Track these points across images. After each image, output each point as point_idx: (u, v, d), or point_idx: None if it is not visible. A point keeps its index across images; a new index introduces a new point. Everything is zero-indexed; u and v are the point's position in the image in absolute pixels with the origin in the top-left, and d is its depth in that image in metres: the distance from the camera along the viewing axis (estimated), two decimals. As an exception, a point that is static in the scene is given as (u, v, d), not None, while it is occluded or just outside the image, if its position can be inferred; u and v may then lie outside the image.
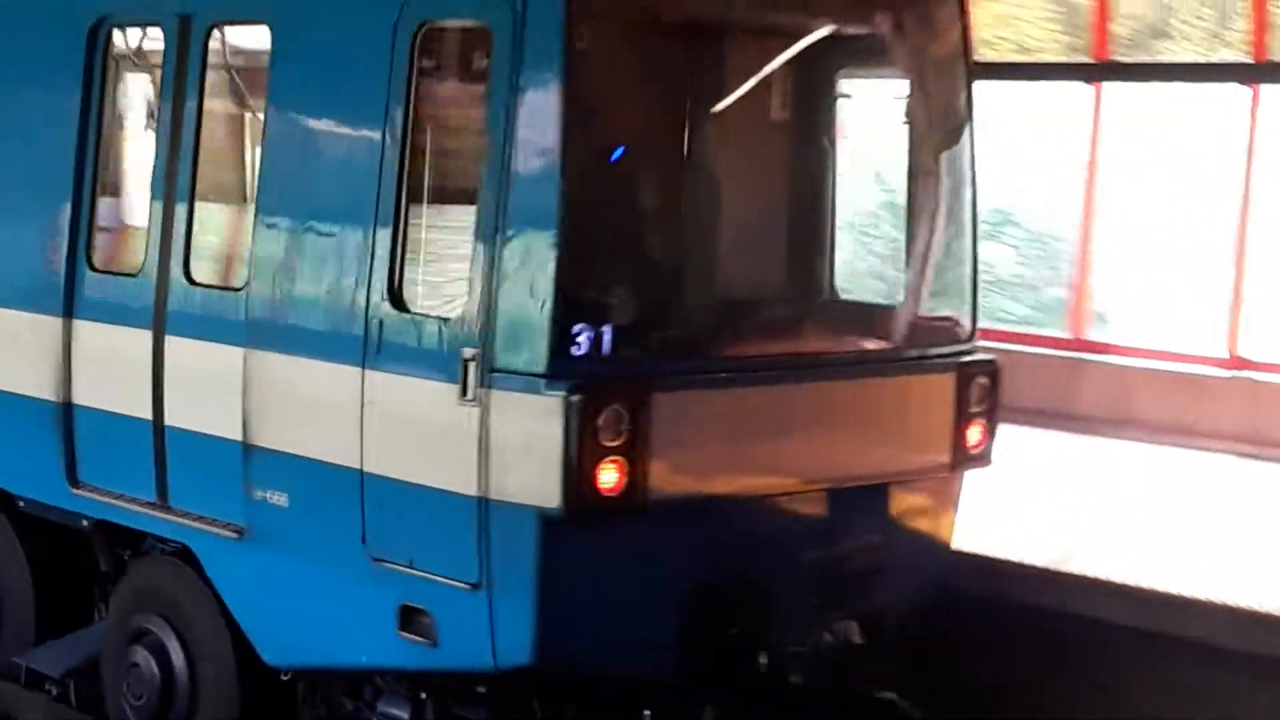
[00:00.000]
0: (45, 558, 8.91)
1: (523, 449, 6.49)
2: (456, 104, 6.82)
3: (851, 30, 7.64)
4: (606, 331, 6.58)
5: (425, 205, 6.91)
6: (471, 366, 6.56)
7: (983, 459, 8.00)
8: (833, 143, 7.95)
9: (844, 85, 7.88)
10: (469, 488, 6.62)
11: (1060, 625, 8.49)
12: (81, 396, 8.27)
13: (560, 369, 6.43)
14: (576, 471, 6.42)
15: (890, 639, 7.31)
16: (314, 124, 7.26)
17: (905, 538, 7.73)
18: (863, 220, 8.02)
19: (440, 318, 6.73)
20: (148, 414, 7.90)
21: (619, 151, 6.97)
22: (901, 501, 7.68)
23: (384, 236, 6.85)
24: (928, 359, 7.67)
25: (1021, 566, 8.82)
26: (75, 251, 8.26)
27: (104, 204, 8.29)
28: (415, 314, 6.81)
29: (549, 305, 6.41)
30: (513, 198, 6.46)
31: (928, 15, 7.62)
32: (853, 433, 7.28)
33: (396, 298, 6.88)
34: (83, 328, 8.25)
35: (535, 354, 6.44)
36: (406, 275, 6.88)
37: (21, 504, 8.78)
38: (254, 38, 7.61)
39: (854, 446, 7.29)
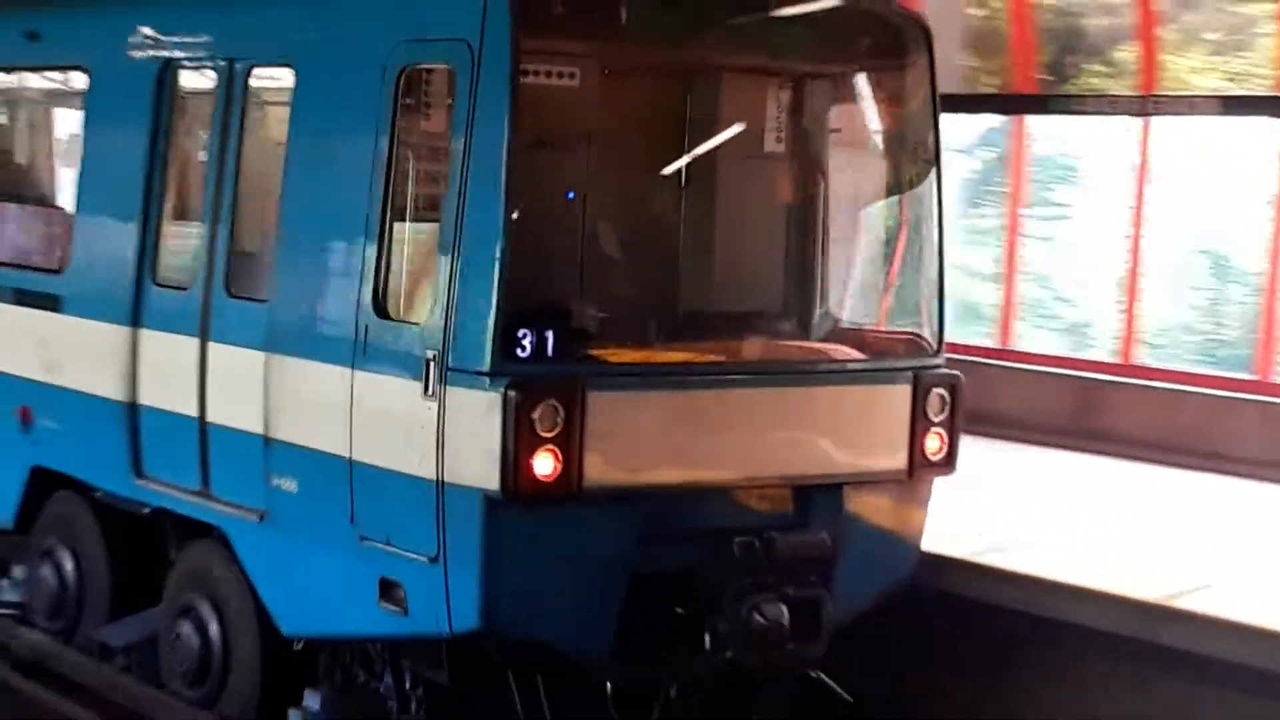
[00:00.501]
0: (122, 544, 10.64)
1: (471, 438, 8.05)
2: (429, 135, 8.43)
3: (785, 68, 9.06)
4: (548, 336, 8.07)
5: (407, 223, 8.50)
6: (432, 366, 8.14)
7: (944, 467, 9.29)
8: (777, 173, 9.35)
9: (786, 119, 9.26)
10: (429, 473, 8.19)
11: None
12: (145, 397, 10.04)
13: (502, 368, 7.97)
14: (514, 458, 7.94)
15: (825, 623, 8.62)
16: (322, 153, 8.96)
17: (860, 535, 9.04)
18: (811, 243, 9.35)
19: (410, 323, 8.31)
20: (194, 411, 9.61)
21: (571, 193, 8.46)
22: (855, 500, 9.01)
23: (371, 251, 8.49)
24: (874, 371, 9.01)
25: None
26: (143, 268, 10.04)
27: (166, 224, 10.05)
28: (393, 320, 8.40)
29: (494, 312, 7.96)
30: (467, 217, 8.04)
31: (865, 50, 9.00)
32: (787, 435, 8.66)
33: (380, 306, 8.49)
34: (147, 336, 10.01)
35: (482, 355, 8.00)
36: (389, 286, 8.47)
37: (98, 494, 10.57)
38: (283, 78, 9.29)
39: (789, 447, 8.66)
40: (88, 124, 10.80)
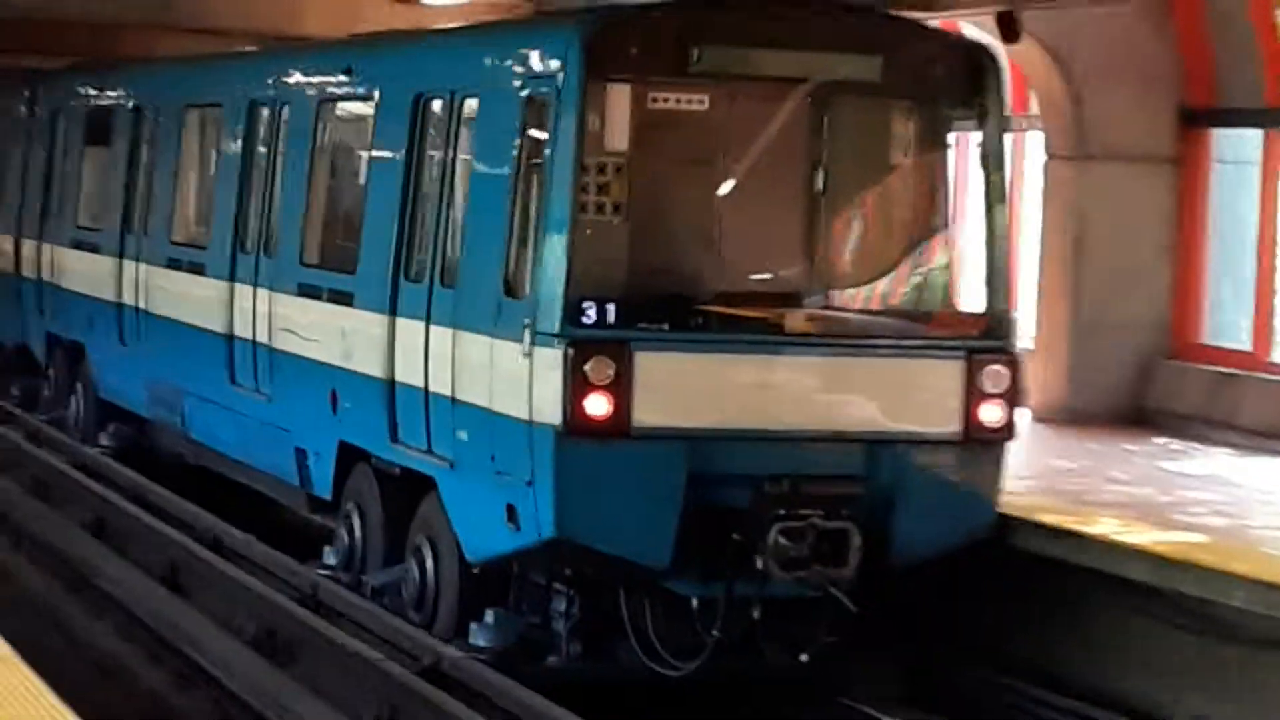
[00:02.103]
0: (394, 503, 17.29)
1: (546, 385, 14.31)
2: (537, 152, 14.73)
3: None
4: (608, 309, 14.26)
5: (529, 223, 14.83)
6: (526, 332, 14.44)
7: (1003, 433, 14.86)
8: (813, 180, 15.22)
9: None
10: (525, 414, 14.49)
11: None
12: (398, 375, 16.70)
13: (567, 332, 14.19)
14: (570, 400, 14.14)
15: (852, 553, 14.33)
16: (487, 166, 15.44)
17: (916, 491, 14.72)
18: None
19: (519, 300, 14.65)
20: (420, 382, 16.22)
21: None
22: (917, 458, 14.68)
23: (503, 243, 14.87)
24: (921, 347, 14.71)
25: None
26: (399, 266, 16.75)
27: (415, 228, 16.71)
28: (511, 299, 14.76)
29: (562, 289, 14.21)
30: (548, 218, 14.34)
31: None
32: (832, 396, 14.49)
33: (506, 287, 14.86)
34: (399, 323, 16.69)
35: (555, 323, 14.24)
36: (513, 272, 14.84)
37: (374, 460, 17.33)
38: (475, 106, 15.85)
39: (831, 406, 14.49)
40: (371, 145, 17.67)
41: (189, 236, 22.25)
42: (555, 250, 14.35)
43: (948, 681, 16.10)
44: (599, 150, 14.56)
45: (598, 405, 14.24)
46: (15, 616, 16.37)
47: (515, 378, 14.66)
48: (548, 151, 14.50)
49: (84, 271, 25.12)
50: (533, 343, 14.44)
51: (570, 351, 14.19)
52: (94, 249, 24.85)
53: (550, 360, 14.30)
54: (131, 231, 23.70)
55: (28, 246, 27.58)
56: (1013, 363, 14.98)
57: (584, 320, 14.32)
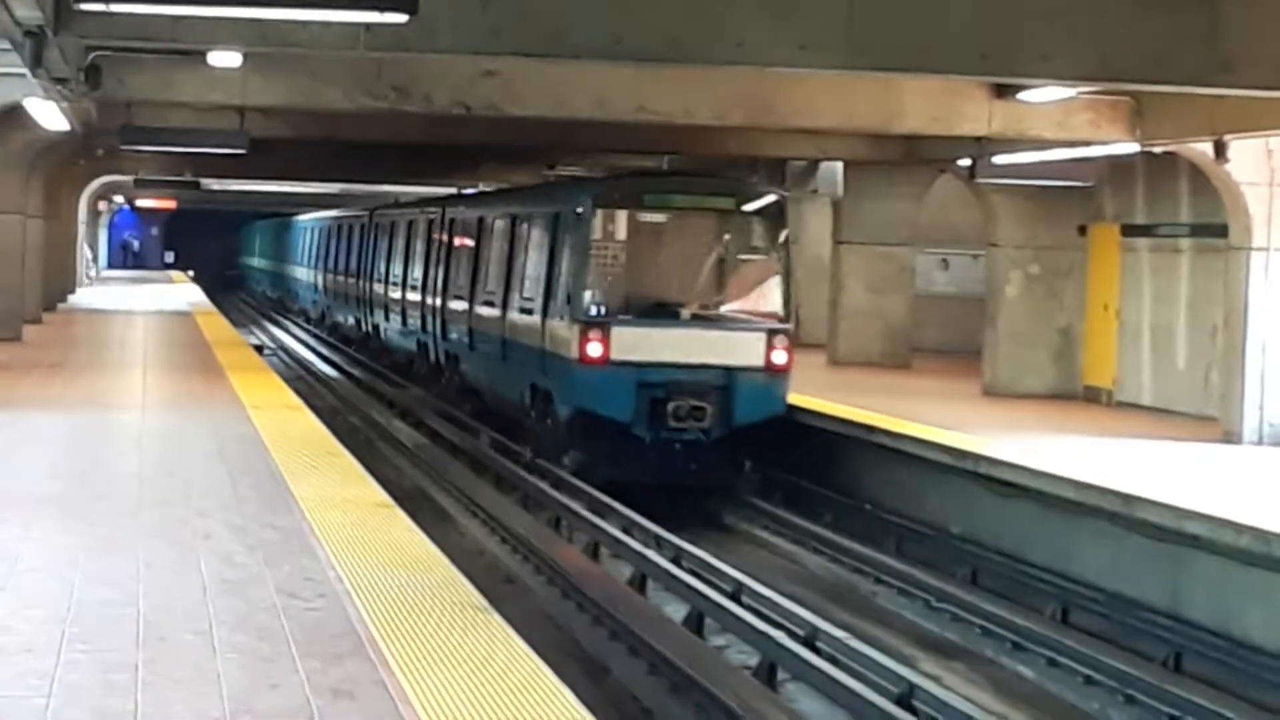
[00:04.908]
0: (545, 404, 34.37)
1: (574, 340, 31.44)
2: (579, 241, 31.75)
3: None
4: (602, 308, 31.37)
5: (577, 270, 31.96)
6: (569, 318, 31.60)
7: (785, 368, 31.51)
8: (720, 255, 32.02)
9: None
10: (567, 355, 31.65)
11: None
12: (545, 345, 33.88)
13: (582, 317, 31.33)
14: (580, 347, 31.25)
15: (709, 417, 30.93)
16: (567, 247, 32.64)
17: (743, 391, 31.38)
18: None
19: (570, 304, 31.76)
20: (549, 347, 33.38)
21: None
22: (742, 378, 31.37)
23: (570, 280, 32.01)
24: (745, 326, 31.42)
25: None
26: (548, 295, 33.94)
27: (554, 281, 33.84)
28: (569, 304, 31.90)
29: (581, 301, 31.39)
30: (578, 268, 31.48)
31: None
32: (707, 347, 31.25)
33: (568, 300, 32.08)
34: (546, 321, 33.89)
35: (579, 313, 31.38)
36: (571, 292, 31.99)
37: (540, 387, 34.50)
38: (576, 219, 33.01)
39: (707, 353, 31.22)
40: (528, 239, 34.97)
41: (490, 288, 39.47)
42: (579, 282, 31.36)
43: (797, 491, 32.38)
44: (611, 239, 31.50)
45: (594, 349, 31.16)
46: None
47: (566, 339, 31.63)
48: (579, 240, 31.50)
49: (456, 310, 42.77)
50: (571, 323, 31.40)
51: (582, 325, 31.11)
52: (459, 298, 42.47)
53: (576, 330, 31.25)
54: (478, 285, 41.04)
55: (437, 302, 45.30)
56: (789, 335, 31.50)
57: (591, 313, 31.27)
